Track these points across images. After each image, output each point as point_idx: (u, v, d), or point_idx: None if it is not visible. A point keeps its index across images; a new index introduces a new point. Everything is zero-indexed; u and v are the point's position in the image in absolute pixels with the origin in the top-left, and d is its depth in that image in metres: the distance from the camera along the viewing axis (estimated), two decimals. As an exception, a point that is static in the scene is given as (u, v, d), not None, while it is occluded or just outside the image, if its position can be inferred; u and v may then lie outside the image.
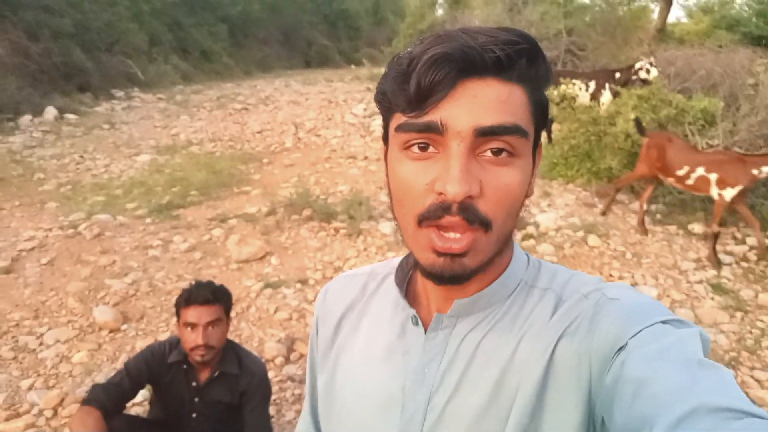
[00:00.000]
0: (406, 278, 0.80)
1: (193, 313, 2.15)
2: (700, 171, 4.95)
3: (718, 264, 4.90)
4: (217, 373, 2.28)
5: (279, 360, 3.51)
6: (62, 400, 3.06)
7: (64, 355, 3.49)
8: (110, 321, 3.76)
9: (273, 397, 2.91)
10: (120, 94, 12.95)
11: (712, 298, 4.34)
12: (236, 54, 19.67)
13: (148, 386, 2.38)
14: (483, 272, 0.66)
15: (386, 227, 5.44)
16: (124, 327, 3.79)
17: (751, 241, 5.34)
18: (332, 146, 8.70)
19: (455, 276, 0.63)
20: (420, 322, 0.74)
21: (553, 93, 7.18)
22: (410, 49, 0.62)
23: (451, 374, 0.69)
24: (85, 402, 2.06)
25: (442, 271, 0.62)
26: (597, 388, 0.60)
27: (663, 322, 0.58)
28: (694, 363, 0.51)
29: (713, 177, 4.87)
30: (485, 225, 0.61)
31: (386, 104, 0.66)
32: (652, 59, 7.32)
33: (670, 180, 5.26)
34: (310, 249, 5.15)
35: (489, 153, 0.60)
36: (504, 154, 0.61)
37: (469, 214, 0.59)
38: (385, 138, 0.71)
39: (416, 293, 0.78)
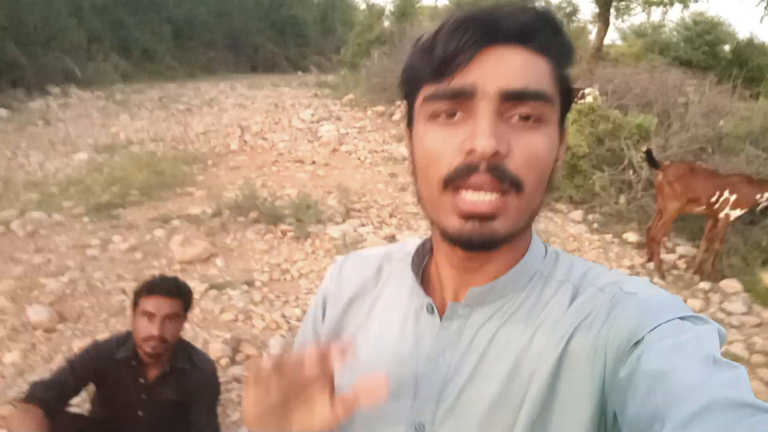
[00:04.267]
0: (422, 264, 0.79)
1: (153, 303, 2.10)
2: (726, 194, 4.97)
3: (719, 278, 5.03)
4: (168, 368, 2.22)
5: (224, 361, 3.44)
6: (-8, 402, 2.90)
7: (-6, 355, 3.31)
8: (45, 320, 3.60)
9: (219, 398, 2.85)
10: (56, 90, 12.44)
11: (646, 303, 4.54)
12: (180, 56, 19.27)
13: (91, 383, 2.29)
14: (510, 243, 0.65)
15: (334, 231, 5.43)
16: (60, 327, 3.64)
17: (681, 250, 5.65)
18: (279, 150, 8.62)
19: (485, 241, 0.61)
20: (435, 311, 0.72)
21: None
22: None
23: (465, 364, 0.68)
24: (26, 400, 1.97)
25: (470, 236, 0.61)
26: (611, 381, 0.59)
27: (681, 318, 0.57)
28: (710, 360, 0.51)
29: (733, 198, 4.95)
30: (516, 185, 0.59)
31: (412, 79, 0.66)
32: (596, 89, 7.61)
33: (700, 209, 5.14)
34: (256, 251, 5.08)
35: (516, 118, 0.60)
36: (531, 120, 0.60)
37: (499, 172, 0.58)
38: (409, 121, 0.70)
39: (431, 280, 0.77)
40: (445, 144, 0.61)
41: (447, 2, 21.23)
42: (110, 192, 6.32)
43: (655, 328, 0.56)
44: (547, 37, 0.61)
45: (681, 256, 5.53)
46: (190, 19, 20.36)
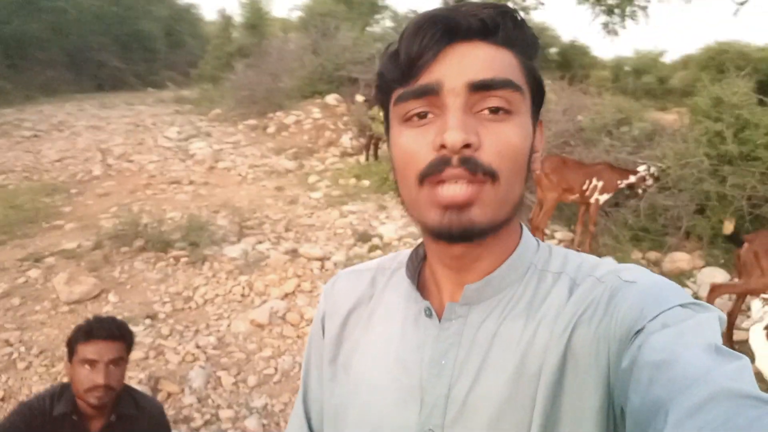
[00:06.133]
0: (417, 270, 0.78)
1: (93, 349, 1.88)
2: (594, 181, 5.47)
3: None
4: (113, 417, 2.01)
5: (143, 403, 3.18)
6: None
7: None
8: None
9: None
10: None
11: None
12: (13, 77, 17.39)
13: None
14: (497, 236, 0.66)
15: (233, 251, 5.23)
16: (-63, 393, 3.16)
17: (559, 235, 6.15)
18: (149, 172, 8.13)
19: (465, 231, 0.61)
20: (434, 314, 0.71)
21: (378, 113, 7.53)
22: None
23: (469, 364, 0.67)
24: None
25: (450, 226, 0.61)
26: (615, 372, 0.58)
27: (681, 305, 0.57)
28: (712, 349, 0.50)
29: (600, 184, 5.46)
30: (490, 175, 0.60)
31: (383, 85, 0.67)
32: None
33: (574, 197, 5.59)
34: (150, 282, 4.75)
35: (486, 112, 0.61)
36: (501, 112, 0.61)
37: (471, 165, 0.59)
38: (387, 127, 0.70)
39: (427, 285, 0.76)
40: (418, 143, 0.61)
41: (301, 14, 21.21)
42: (-38, 234, 5.58)
43: (655, 317, 0.56)
44: (510, 30, 0.62)
45: (560, 241, 6.02)
46: (21, 36, 18.43)
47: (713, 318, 0.55)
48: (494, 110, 0.60)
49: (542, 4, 15.56)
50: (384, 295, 0.80)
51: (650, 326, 0.55)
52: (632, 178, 5.60)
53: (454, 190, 0.59)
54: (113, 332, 1.96)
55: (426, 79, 0.60)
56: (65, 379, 2.21)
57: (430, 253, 0.73)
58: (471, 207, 0.60)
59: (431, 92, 0.60)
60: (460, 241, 0.63)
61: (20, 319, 4.01)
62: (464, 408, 0.65)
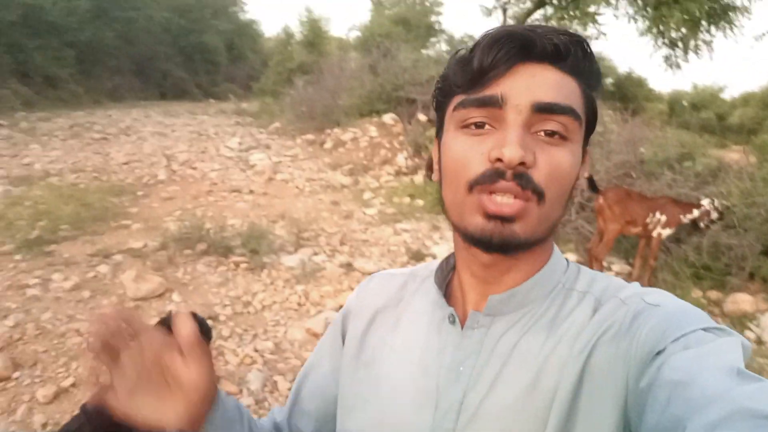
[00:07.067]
0: (446, 279, 0.80)
1: None
2: (658, 215, 5.38)
3: None
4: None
5: (205, 400, 3.30)
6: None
7: (-54, 411, 2.99)
8: None
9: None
10: (-50, 118, 11.45)
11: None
12: (85, 82, 18.30)
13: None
14: (530, 252, 0.68)
15: (290, 260, 5.36)
16: (16, 375, 3.34)
17: (616, 268, 6.06)
18: (212, 180, 8.40)
19: (504, 242, 0.63)
20: (457, 321, 0.73)
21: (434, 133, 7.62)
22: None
23: (486, 373, 0.68)
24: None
25: (491, 236, 0.63)
26: (633, 394, 0.59)
27: (704, 329, 0.57)
28: (733, 371, 0.50)
29: (663, 218, 5.37)
30: (538, 194, 0.62)
31: (446, 88, 0.70)
32: None
33: (636, 230, 5.49)
34: (211, 284, 4.92)
35: (542, 134, 0.63)
36: (557, 137, 0.63)
37: (524, 181, 0.61)
38: (438, 131, 0.74)
39: (453, 293, 0.79)
40: (473, 150, 0.63)
41: (359, 33, 21.60)
42: (38, 227, 5.88)
43: (677, 339, 0.56)
44: (578, 59, 0.64)
45: (617, 273, 5.93)
46: (95, 43, 19.40)
47: (736, 342, 0.55)
48: (550, 133, 0.63)
49: (604, 34, 15.43)
50: (413, 299, 0.83)
51: (671, 348, 0.55)
52: (696, 213, 5.48)
53: (503, 201, 0.61)
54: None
55: (492, 90, 0.62)
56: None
57: (460, 261, 0.75)
58: (515, 221, 0.62)
59: (494, 104, 0.62)
60: (496, 252, 0.65)
61: (90, 311, 4.21)
62: (476, 415, 0.67)
